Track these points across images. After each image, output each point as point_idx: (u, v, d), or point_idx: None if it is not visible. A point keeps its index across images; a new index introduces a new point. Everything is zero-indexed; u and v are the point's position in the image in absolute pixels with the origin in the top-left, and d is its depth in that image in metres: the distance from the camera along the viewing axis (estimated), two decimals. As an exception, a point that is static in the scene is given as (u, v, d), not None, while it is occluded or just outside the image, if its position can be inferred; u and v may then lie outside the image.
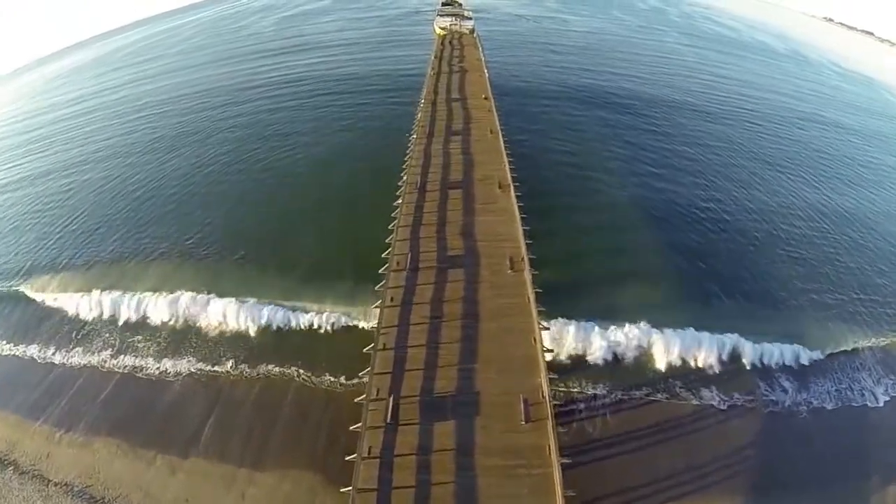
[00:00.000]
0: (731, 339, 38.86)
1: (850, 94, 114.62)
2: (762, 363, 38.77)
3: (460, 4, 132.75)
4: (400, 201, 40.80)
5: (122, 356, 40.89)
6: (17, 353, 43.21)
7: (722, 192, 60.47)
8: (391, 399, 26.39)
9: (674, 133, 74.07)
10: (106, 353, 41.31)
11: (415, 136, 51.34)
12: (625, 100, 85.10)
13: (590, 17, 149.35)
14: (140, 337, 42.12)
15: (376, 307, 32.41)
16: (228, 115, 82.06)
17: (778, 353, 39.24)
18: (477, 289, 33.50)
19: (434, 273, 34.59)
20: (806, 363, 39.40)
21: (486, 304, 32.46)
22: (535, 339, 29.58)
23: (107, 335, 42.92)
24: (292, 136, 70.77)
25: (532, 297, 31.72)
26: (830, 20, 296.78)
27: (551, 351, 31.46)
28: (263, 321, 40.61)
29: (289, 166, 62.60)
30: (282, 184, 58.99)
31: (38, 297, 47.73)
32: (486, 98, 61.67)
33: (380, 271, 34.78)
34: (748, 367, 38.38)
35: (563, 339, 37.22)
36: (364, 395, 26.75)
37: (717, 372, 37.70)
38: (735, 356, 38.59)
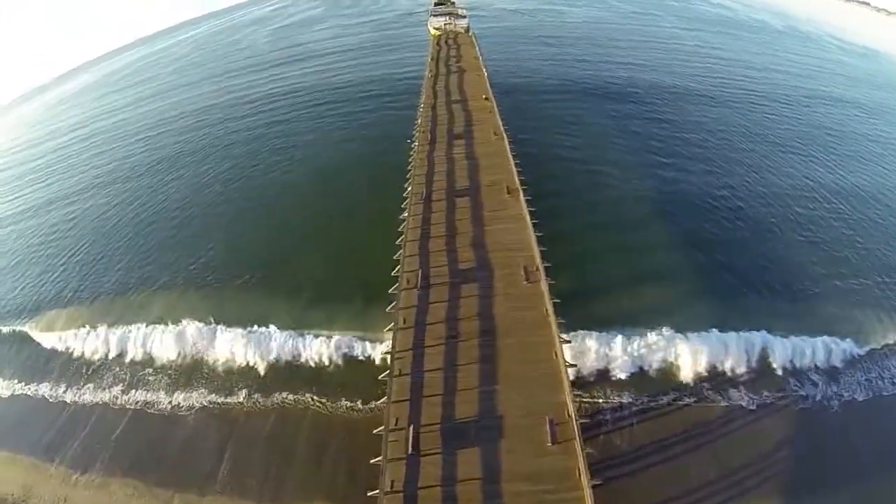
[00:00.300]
0: (757, 338, 37.15)
1: (852, 68, 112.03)
2: (789, 358, 36.94)
3: (453, 3, 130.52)
4: (406, 214, 39.33)
5: (133, 391, 39.75)
6: (28, 393, 42.28)
7: (732, 178, 58.79)
8: (411, 428, 25.01)
9: (678, 119, 72.34)
10: (117, 389, 40.18)
11: (417, 144, 49.81)
12: (626, 89, 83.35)
13: (585, 7, 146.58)
14: (150, 371, 40.82)
15: (389, 330, 30.99)
16: (226, 131, 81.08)
17: (805, 346, 37.31)
18: (492, 303, 32.04)
19: (446, 289, 33.12)
20: (833, 354, 37.49)
21: (503, 319, 31.00)
22: (556, 354, 28.14)
23: (116, 370, 41.72)
24: (290, 149, 69.48)
25: (550, 308, 30.22)
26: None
27: (574, 366, 29.84)
28: (273, 350, 39.12)
29: (288, 182, 61.26)
30: (282, 201, 57.66)
31: (44, 335, 46.63)
32: (486, 98, 60.06)
33: (390, 291, 33.42)
34: (775, 364, 36.59)
35: (584, 352, 35.45)
36: (383, 426, 25.35)
37: (745, 371, 36.13)
38: (762, 353, 36.79)
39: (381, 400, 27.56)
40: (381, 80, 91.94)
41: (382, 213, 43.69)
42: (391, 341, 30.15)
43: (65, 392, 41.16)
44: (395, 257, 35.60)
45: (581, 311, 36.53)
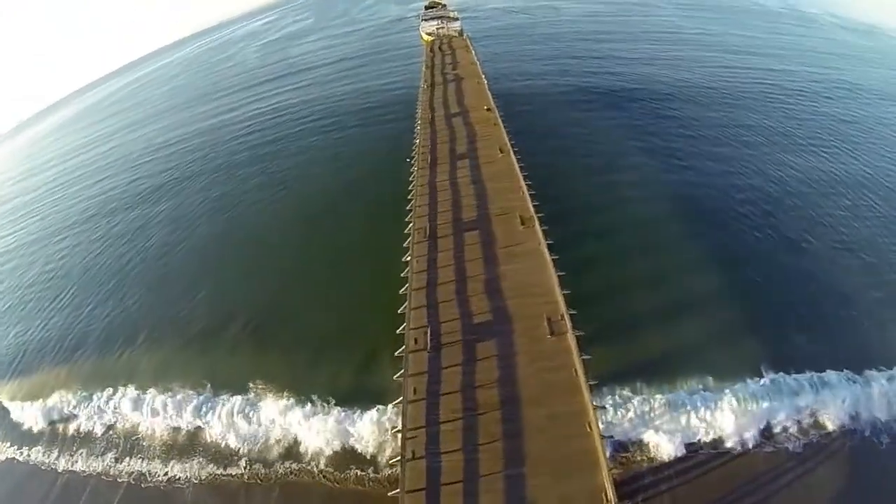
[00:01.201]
0: (802, 380, 32.48)
1: (859, 49, 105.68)
2: (833, 394, 31.94)
3: (444, 6, 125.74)
4: (409, 256, 34.25)
5: (127, 459, 35.91)
6: (18, 458, 38.68)
7: (756, 183, 53.53)
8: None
9: (691, 116, 67.49)
10: (110, 458, 36.32)
11: (416, 167, 44.83)
12: (632, 86, 78.53)
13: (580, 2, 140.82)
14: (143, 440, 36.84)
15: (397, 404, 26.06)
16: (214, 157, 77.46)
17: (847, 379, 32.74)
18: (513, 364, 27.14)
19: (460, 349, 28.25)
20: (873, 387, 32.55)
21: (527, 384, 26.14)
22: (590, 426, 23.50)
23: (109, 438, 37.76)
24: (280, 177, 65.08)
25: (580, 369, 25.35)
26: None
27: (611, 437, 25.18)
28: (272, 422, 34.32)
29: (278, 217, 56.34)
30: (272, 239, 52.55)
31: (26, 402, 42.49)
32: (488, 109, 55.01)
33: (396, 353, 28.52)
34: (819, 401, 31.65)
35: (621, 417, 30.28)
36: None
37: (790, 417, 31.13)
38: (804, 392, 32.04)
39: (394, 492, 22.65)
40: (374, 92, 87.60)
41: (383, 251, 39.10)
42: (401, 417, 25.08)
43: (57, 459, 37.47)
44: (399, 311, 30.52)
45: (610, 361, 31.68)
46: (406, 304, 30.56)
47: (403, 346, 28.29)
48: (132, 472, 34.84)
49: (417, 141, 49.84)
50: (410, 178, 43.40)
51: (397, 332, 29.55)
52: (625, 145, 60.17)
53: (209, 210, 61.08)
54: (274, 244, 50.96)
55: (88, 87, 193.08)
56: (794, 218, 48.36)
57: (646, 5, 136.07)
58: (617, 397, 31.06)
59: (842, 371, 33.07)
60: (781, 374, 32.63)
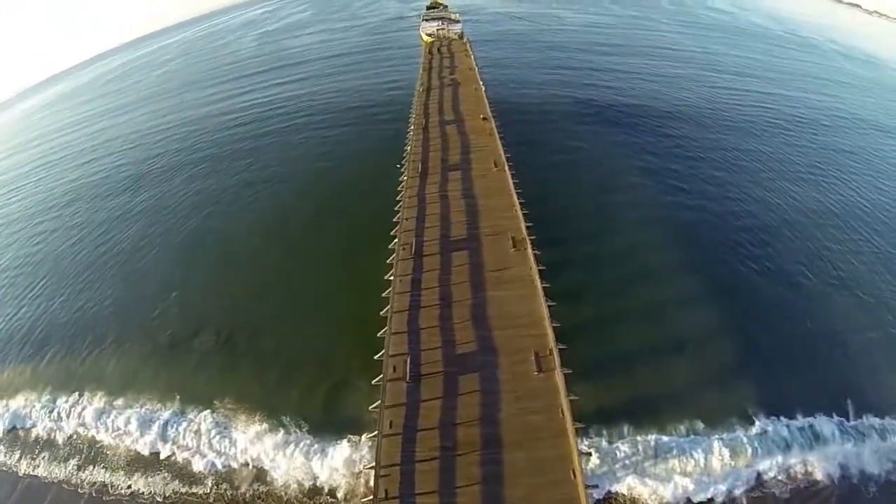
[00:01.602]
0: (793, 427, 31.18)
1: (857, 77, 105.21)
2: (823, 444, 30.84)
3: (446, 7, 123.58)
4: (392, 274, 32.18)
5: (90, 468, 33.66)
6: None
7: (755, 210, 52.49)
8: None
9: (689, 140, 66.03)
10: (72, 465, 34.05)
11: (406, 176, 42.67)
12: (629, 102, 77.30)
13: (582, 13, 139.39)
14: (107, 450, 34.54)
15: (372, 437, 24.11)
16: (201, 148, 74.50)
17: (839, 430, 31.50)
18: (497, 401, 25.30)
19: (441, 382, 26.35)
20: (864, 437, 31.50)
21: (510, 424, 24.37)
22: (574, 473, 21.88)
23: (73, 444, 35.35)
24: (265, 174, 62.52)
25: (567, 410, 23.51)
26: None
27: (595, 486, 23.82)
28: (240, 443, 32.13)
29: (259, 218, 53.70)
30: (252, 242, 49.73)
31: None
32: (484, 119, 52.98)
33: (373, 382, 26.35)
34: (809, 451, 30.53)
35: (607, 463, 28.46)
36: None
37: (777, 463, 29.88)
38: (795, 441, 30.75)
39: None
40: (369, 90, 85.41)
41: (366, 265, 37.12)
42: (374, 452, 23.24)
43: (18, 462, 35.22)
44: (378, 334, 28.35)
45: (597, 399, 30.12)
46: (386, 327, 28.46)
47: (381, 375, 26.17)
48: (94, 483, 32.77)
49: (409, 148, 47.74)
50: (399, 188, 41.21)
51: (375, 357, 27.39)
52: (622, 163, 58.58)
53: (189, 205, 58.54)
54: (252, 248, 48.42)
55: (87, 63, 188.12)
56: (792, 250, 47.09)
57: (648, 20, 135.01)
58: (603, 441, 29.17)
59: (832, 418, 31.91)
60: (773, 419, 31.32)
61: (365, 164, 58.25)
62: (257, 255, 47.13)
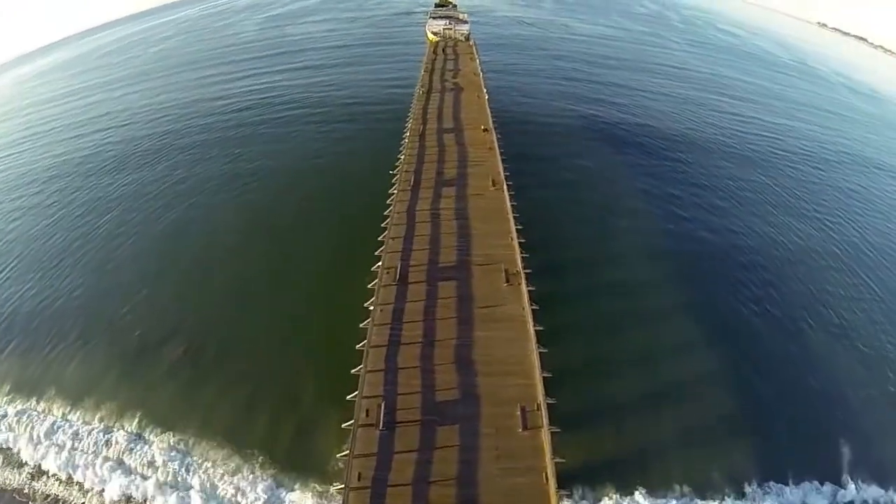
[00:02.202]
0: (786, 494, 28.49)
1: (861, 113, 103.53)
2: None
3: (455, 6, 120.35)
4: (373, 302, 28.98)
5: (44, 479, 30.44)
6: None
7: (758, 245, 50.16)
8: None
9: (695, 166, 63.49)
10: (25, 473, 30.90)
11: (396, 190, 39.43)
12: (634, 120, 74.74)
13: (591, 24, 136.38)
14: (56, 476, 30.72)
15: (339, 490, 21.14)
16: (189, 133, 71.43)
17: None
18: (477, 459, 22.39)
19: (417, 432, 23.28)
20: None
21: (489, 486, 21.45)
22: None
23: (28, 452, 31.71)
24: (251, 164, 59.37)
25: (551, 475, 20.85)
26: (824, 25, 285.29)
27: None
28: (204, 477, 28.63)
29: (241, 216, 49.94)
30: (229, 243, 46.16)
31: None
32: (485, 130, 49.87)
33: (343, 426, 23.43)
34: None
35: None
36: None
37: None
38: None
39: None
40: (369, 86, 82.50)
41: (347, 286, 34.01)
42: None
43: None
44: (354, 370, 25.22)
45: (583, 455, 27.04)
46: (362, 364, 25.29)
47: (353, 419, 23.09)
48: (48, 496, 29.73)
49: (402, 157, 44.46)
50: (388, 201, 37.93)
51: (348, 397, 24.24)
52: (624, 185, 55.97)
53: (172, 194, 55.19)
54: (230, 250, 44.81)
55: (89, 32, 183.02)
56: (794, 292, 44.64)
57: (658, 37, 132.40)
58: (586, 504, 26.19)
59: (824, 486, 29.38)
60: (765, 486, 28.63)
61: (356, 168, 54.86)
62: (235, 260, 43.53)
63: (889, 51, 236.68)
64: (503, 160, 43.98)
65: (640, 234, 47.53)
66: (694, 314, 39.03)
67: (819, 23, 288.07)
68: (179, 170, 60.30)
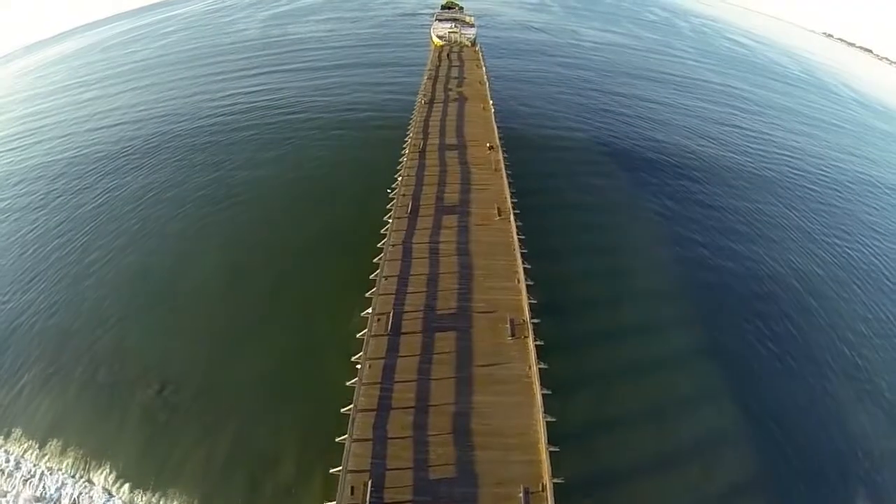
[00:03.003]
0: None
1: (877, 133, 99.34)
2: None
3: (461, 8, 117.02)
4: (362, 356, 25.47)
5: None
6: None
7: (777, 273, 46.83)
8: None
9: (711, 188, 59.63)
10: None
11: (392, 217, 35.85)
12: (646, 133, 70.91)
13: (600, 31, 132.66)
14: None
15: None
16: (181, 136, 67.13)
17: None
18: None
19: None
20: None
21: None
22: None
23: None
24: (238, 176, 55.03)
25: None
26: (830, 36, 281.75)
27: None
28: None
29: (223, 243, 45.19)
30: (208, 271, 41.66)
31: None
32: (491, 148, 46.34)
33: (325, 505, 19.94)
34: None
35: None
36: None
37: None
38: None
39: None
40: (369, 91, 78.15)
41: (335, 330, 30.67)
42: None
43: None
44: (338, 439, 21.77)
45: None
46: (347, 433, 21.83)
47: (336, 499, 19.74)
48: None
49: (400, 177, 40.88)
50: (384, 230, 34.33)
51: (332, 471, 21.01)
52: (636, 208, 52.26)
53: (154, 209, 50.91)
54: (211, 282, 39.91)
55: (99, 23, 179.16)
56: (816, 329, 41.39)
57: (669, 46, 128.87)
58: None
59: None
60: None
61: (351, 187, 50.17)
62: (215, 294, 38.89)
63: (893, 63, 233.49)
64: (510, 182, 40.35)
65: (653, 267, 44.00)
66: (712, 358, 35.94)
67: (825, 33, 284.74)
68: (161, 176, 56.72)
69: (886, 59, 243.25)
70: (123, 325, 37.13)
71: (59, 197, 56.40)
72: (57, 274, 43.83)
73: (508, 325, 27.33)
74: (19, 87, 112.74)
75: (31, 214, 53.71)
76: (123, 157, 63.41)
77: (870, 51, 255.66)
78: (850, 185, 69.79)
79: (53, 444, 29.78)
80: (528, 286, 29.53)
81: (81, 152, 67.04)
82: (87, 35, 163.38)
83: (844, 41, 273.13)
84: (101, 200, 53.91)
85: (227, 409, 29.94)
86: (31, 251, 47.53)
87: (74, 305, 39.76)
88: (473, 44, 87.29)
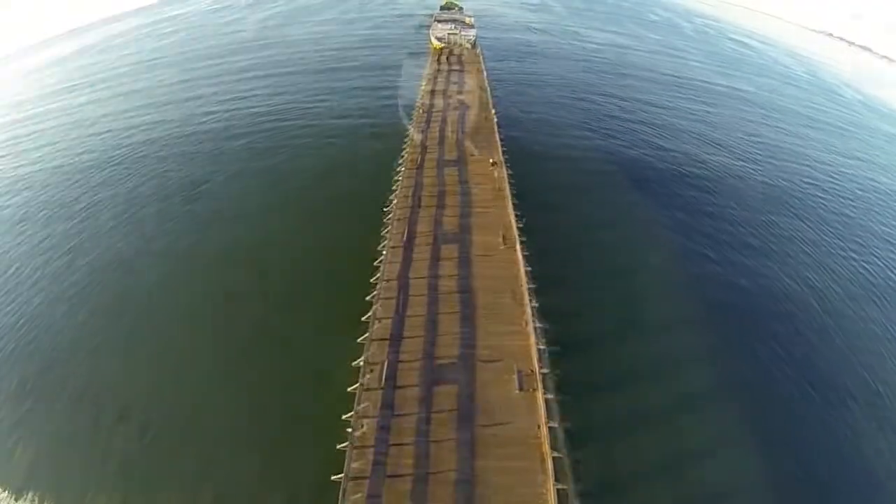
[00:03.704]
0: None
1: (885, 136, 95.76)
2: None
3: (461, 9, 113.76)
4: (353, 416, 22.49)
5: None
6: None
7: (793, 291, 44.16)
8: None
9: (722, 198, 56.64)
10: None
11: (386, 247, 32.57)
12: (654, 140, 67.87)
13: (603, 31, 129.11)
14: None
15: None
16: (171, 142, 64.55)
17: None
18: None
19: None
20: None
21: None
22: None
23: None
24: (224, 192, 51.99)
25: None
26: (830, 35, 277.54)
27: None
28: None
29: (210, 266, 42.15)
30: (197, 302, 38.59)
31: None
32: (494, 164, 43.12)
33: None
34: None
35: None
36: None
37: None
38: None
39: None
40: (365, 96, 74.69)
41: (328, 384, 26.83)
42: None
43: None
44: None
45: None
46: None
47: None
48: None
49: (395, 199, 37.62)
50: (377, 262, 31.14)
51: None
52: (646, 223, 49.29)
53: (141, 221, 48.69)
54: (196, 313, 37.41)
55: (104, 22, 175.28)
56: (834, 351, 38.84)
57: (672, 47, 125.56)
58: None
59: None
60: None
61: (347, 199, 46.69)
62: (205, 326, 36.15)
63: (894, 61, 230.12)
64: (514, 198, 37.21)
65: (667, 292, 40.99)
66: (729, 391, 33.23)
67: (825, 32, 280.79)
68: (151, 182, 54.73)
69: (886, 57, 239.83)
70: (100, 356, 34.48)
71: (42, 210, 53.22)
72: (43, 287, 41.81)
73: (515, 377, 24.30)
74: (20, 88, 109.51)
75: (15, 225, 51.60)
76: (110, 167, 60.70)
77: (869, 49, 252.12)
78: (861, 192, 66.81)
79: (29, 497, 26.89)
80: (538, 329, 26.37)
81: (69, 161, 64.29)
82: (87, 35, 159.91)
83: (844, 40, 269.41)
84: (84, 215, 50.91)
85: (209, 461, 27.04)
86: (22, 261, 45.71)
87: (53, 331, 37.21)
88: (473, 46, 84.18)
